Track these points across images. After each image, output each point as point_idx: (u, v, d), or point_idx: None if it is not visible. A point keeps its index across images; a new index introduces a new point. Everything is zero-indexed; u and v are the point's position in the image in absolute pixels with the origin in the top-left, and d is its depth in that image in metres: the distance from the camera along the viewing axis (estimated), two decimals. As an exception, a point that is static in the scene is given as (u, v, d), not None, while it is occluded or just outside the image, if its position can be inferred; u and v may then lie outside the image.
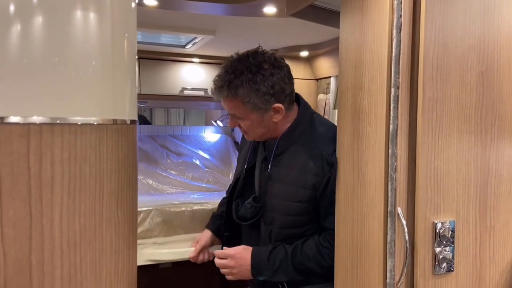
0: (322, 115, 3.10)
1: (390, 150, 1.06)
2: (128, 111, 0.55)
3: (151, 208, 1.97)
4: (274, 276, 1.36)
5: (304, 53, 2.85)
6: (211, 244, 1.70)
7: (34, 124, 0.39)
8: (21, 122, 0.39)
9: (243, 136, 1.54)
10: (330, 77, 2.86)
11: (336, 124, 1.48)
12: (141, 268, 2.28)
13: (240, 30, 2.37)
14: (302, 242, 1.36)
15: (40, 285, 0.39)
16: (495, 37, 1.11)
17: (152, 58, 3.10)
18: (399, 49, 1.04)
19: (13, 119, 0.39)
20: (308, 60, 2.99)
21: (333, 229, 1.29)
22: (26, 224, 0.39)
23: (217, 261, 1.44)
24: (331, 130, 1.37)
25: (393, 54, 1.05)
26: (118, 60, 0.56)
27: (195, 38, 2.52)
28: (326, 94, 2.93)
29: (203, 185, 3.12)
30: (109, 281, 0.49)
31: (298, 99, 1.47)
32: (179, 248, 1.85)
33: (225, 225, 1.57)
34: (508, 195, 1.15)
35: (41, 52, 0.47)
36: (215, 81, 1.35)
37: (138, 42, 2.88)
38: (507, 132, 1.14)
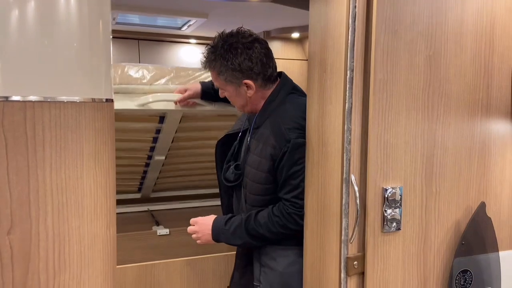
0: (313, 94, 3.23)
1: (345, 126, 1.21)
2: (103, 91, 0.71)
3: None
4: (230, 239, 1.55)
5: (295, 35, 2.98)
6: (196, 97, 1.89)
7: (30, 101, 0.55)
8: (21, 100, 0.55)
9: (247, 116, 1.71)
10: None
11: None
12: (138, 236, 2.44)
13: (231, 13, 2.48)
14: (257, 211, 1.53)
15: (36, 216, 0.56)
16: (443, 24, 1.25)
17: (151, 40, 3.23)
18: (354, 36, 1.19)
19: (15, 98, 0.55)
20: (300, 41, 3.12)
21: (287, 200, 1.46)
22: (25, 172, 0.55)
23: (188, 228, 1.67)
24: (299, 109, 1.52)
25: (349, 41, 1.19)
26: (94, 43, 0.71)
27: (189, 20, 2.66)
28: (317, 74, 3.07)
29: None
30: (90, 219, 0.65)
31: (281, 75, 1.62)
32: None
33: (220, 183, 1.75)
34: (453, 164, 1.31)
35: (34, 36, 0.61)
36: (203, 55, 1.57)
37: (137, 25, 3.02)
38: (453, 109, 1.29)
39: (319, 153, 1.35)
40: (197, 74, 2.07)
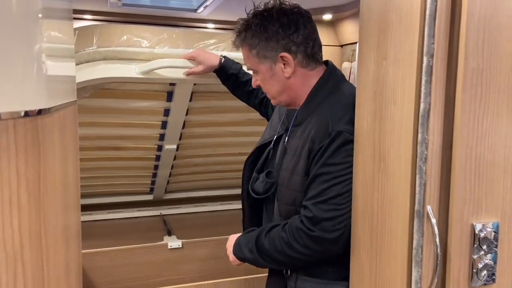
0: (347, 85, 2.85)
1: (419, 135, 0.85)
2: (29, 98, 0.37)
3: None
4: (243, 252, 1.26)
5: (327, 16, 2.59)
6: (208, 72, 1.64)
7: None
8: None
9: (286, 111, 1.39)
10: (356, 42, 2.59)
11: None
12: (148, 249, 2.16)
13: (254, -10, 2.10)
14: (276, 224, 1.23)
15: None
16: None
17: (163, 24, 2.91)
18: (435, 5, 0.81)
19: None
20: (332, 24, 2.72)
21: (305, 207, 1.14)
22: None
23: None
24: (352, 97, 1.16)
25: (427, 13, 0.82)
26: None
27: (205, 0, 2.31)
28: (352, 62, 2.67)
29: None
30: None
31: (327, 64, 1.31)
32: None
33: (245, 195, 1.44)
34: None
35: None
36: (234, 31, 1.30)
37: (146, 7, 2.69)
38: None
39: (374, 170, 0.99)
40: (212, 40, 1.74)
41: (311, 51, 1.23)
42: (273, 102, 1.34)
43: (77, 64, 1.65)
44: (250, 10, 1.26)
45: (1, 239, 0.37)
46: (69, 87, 0.81)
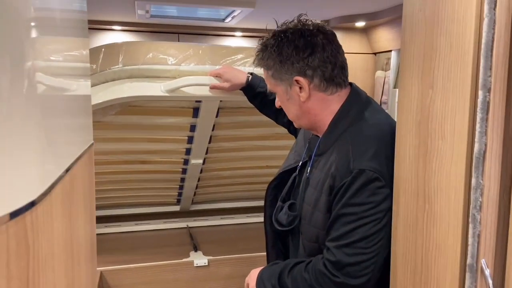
0: (380, 94, 2.72)
1: (473, 180, 0.74)
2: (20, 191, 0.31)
3: None
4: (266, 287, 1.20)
5: (360, 24, 2.48)
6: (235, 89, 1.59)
7: None
8: None
9: (309, 138, 1.32)
10: (390, 51, 2.46)
11: (392, 116, 1.19)
12: (173, 267, 2.12)
13: (282, 1, 2.05)
14: (299, 261, 1.17)
15: None
16: None
17: (192, 33, 2.88)
18: (493, 34, 0.71)
19: None
20: (365, 31, 2.61)
21: (328, 250, 1.07)
22: None
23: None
24: (376, 129, 1.10)
25: (484, 41, 0.72)
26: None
27: (234, 11, 2.24)
28: (386, 70, 2.54)
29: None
30: None
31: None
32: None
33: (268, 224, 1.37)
34: None
35: None
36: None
37: (174, 17, 2.66)
38: None
39: (417, 212, 0.89)
40: (239, 55, 1.67)
41: (329, 75, 1.13)
42: (295, 124, 1.27)
43: (103, 83, 1.61)
44: (280, 25, 1.19)
45: None
46: (83, 130, 0.75)
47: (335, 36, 1.17)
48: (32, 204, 0.34)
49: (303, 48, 1.11)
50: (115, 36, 3.01)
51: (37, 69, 0.38)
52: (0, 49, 0.33)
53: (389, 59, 2.51)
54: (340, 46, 1.18)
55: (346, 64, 1.18)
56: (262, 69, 1.22)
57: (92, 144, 1.01)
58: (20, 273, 0.33)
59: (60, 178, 0.44)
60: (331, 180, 1.08)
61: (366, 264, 1.02)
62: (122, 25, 2.62)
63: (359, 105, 1.16)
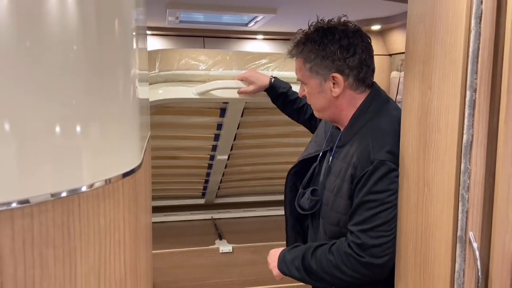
0: (395, 94, 2.85)
1: (462, 165, 0.89)
2: (126, 158, 0.47)
3: None
4: (290, 270, 1.30)
5: (376, 27, 2.62)
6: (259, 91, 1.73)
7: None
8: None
9: (330, 132, 1.44)
10: (404, 52, 2.59)
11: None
12: (200, 252, 2.28)
13: (301, 6, 2.20)
14: (320, 244, 1.27)
15: None
16: None
17: (216, 37, 3.05)
18: (479, 43, 0.85)
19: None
20: (381, 34, 2.74)
21: (352, 233, 1.17)
22: None
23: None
24: (394, 123, 1.21)
25: (471, 50, 0.86)
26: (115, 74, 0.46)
27: (256, 16, 2.41)
28: (400, 71, 2.67)
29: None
30: None
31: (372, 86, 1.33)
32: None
33: (290, 210, 1.51)
34: None
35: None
36: (291, 41, 1.33)
37: (201, 23, 2.83)
38: None
39: (418, 195, 1.04)
40: (263, 60, 1.83)
41: (363, 76, 1.25)
42: (316, 114, 1.38)
43: None
44: (313, 22, 1.28)
45: (113, 271, 0.47)
46: (148, 123, 0.90)
47: (371, 40, 1.29)
48: (134, 170, 0.51)
49: (347, 48, 1.22)
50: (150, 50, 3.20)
51: (136, 76, 0.55)
52: (116, 59, 0.49)
53: (403, 60, 2.63)
54: (373, 50, 1.30)
55: (375, 67, 1.31)
56: (296, 60, 1.30)
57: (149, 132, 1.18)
58: (132, 213, 0.50)
59: (143, 154, 0.61)
60: (353, 169, 1.19)
61: (388, 245, 1.14)
62: (153, 30, 2.82)
63: (378, 102, 1.28)
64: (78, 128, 0.41)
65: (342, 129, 1.32)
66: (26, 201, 0.36)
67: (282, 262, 1.32)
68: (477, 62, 0.86)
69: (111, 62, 0.47)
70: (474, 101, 0.87)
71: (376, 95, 1.30)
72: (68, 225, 0.39)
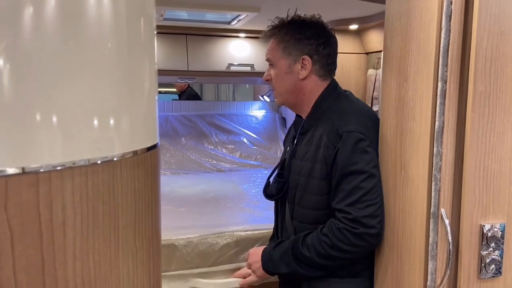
0: (372, 91, 2.98)
1: (435, 149, 0.99)
2: (148, 135, 0.55)
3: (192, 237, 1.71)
4: (278, 267, 1.28)
5: (353, 26, 2.73)
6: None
7: (45, 172, 0.40)
8: (32, 171, 0.39)
9: (293, 122, 1.49)
10: (381, 51, 2.72)
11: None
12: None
13: (284, 6, 2.29)
14: (307, 233, 1.26)
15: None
16: None
17: (199, 34, 3.10)
18: (448, 40, 0.96)
19: (22, 169, 0.39)
20: (358, 33, 2.86)
21: (339, 211, 1.19)
22: (39, 269, 0.40)
23: (246, 264, 1.43)
24: (354, 105, 1.31)
25: (442, 45, 0.97)
26: (137, 64, 0.53)
27: (239, 15, 2.48)
28: (377, 69, 2.80)
29: (252, 162, 3.14)
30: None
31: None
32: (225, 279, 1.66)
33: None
34: None
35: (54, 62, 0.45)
36: (269, 26, 1.41)
37: (184, 20, 2.89)
38: None
39: (396, 177, 1.14)
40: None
41: (328, 66, 1.36)
42: (278, 99, 1.41)
43: None
44: (288, 16, 1.37)
45: (144, 228, 0.55)
46: None
47: (337, 42, 1.41)
48: (155, 146, 0.59)
49: (322, 35, 1.34)
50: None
51: (155, 70, 0.62)
52: (144, 56, 0.57)
53: (379, 58, 2.76)
54: (337, 51, 1.41)
55: (337, 65, 1.40)
56: (271, 41, 1.36)
57: None
58: (157, 181, 0.57)
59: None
60: (324, 149, 1.24)
61: (377, 213, 1.16)
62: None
63: (338, 91, 1.38)
64: (112, 115, 0.49)
65: (304, 117, 1.39)
66: (84, 161, 0.43)
67: (268, 261, 1.30)
68: (447, 56, 0.96)
69: (139, 58, 0.54)
70: (445, 91, 0.97)
71: (336, 85, 1.39)
72: (113, 185, 0.47)
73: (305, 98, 1.36)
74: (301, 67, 1.33)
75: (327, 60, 1.35)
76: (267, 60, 1.39)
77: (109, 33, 0.48)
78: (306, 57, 1.32)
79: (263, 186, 1.49)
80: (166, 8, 2.35)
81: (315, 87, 1.35)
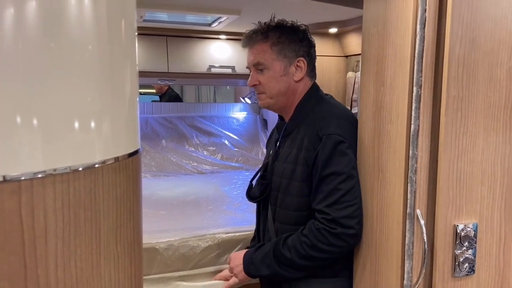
0: (351, 93, 3.02)
1: (410, 151, 1.02)
2: (130, 141, 0.55)
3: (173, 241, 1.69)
4: (259, 269, 1.29)
5: (332, 30, 2.76)
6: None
7: (27, 180, 0.40)
8: (14, 179, 0.40)
9: (276, 125, 1.49)
10: (359, 54, 2.77)
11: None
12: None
13: (265, 9, 2.32)
14: (288, 234, 1.27)
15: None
16: (531, 29, 1.03)
17: (179, 36, 3.09)
18: (423, 46, 0.99)
19: (1, 177, 0.40)
20: (337, 37, 2.90)
21: (318, 212, 1.21)
22: (21, 276, 0.40)
23: (228, 269, 1.44)
24: (335, 109, 1.34)
25: (416, 51, 1.00)
26: (119, 69, 0.54)
27: (220, 17, 2.49)
28: (356, 72, 2.84)
29: (233, 164, 3.15)
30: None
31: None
32: (206, 282, 1.64)
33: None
34: (538, 196, 1.10)
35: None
36: (249, 31, 1.38)
37: (164, 22, 2.87)
38: (539, 130, 1.08)
39: (374, 179, 1.17)
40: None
41: (313, 67, 1.40)
42: (264, 102, 1.37)
43: None
44: (272, 21, 1.37)
45: (125, 234, 0.55)
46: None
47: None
48: (137, 152, 0.59)
49: (308, 39, 1.38)
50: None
51: (137, 72, 0.62)
52: (125, 58, 0.57)
53: (358, 61, 2.81)
54: None
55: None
56: (261, 44, 1.32)
57: None
58: (138, 187, 0.58)
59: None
60: (305, 152, 1.26)
61: (356, 214, 1.18)
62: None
63: (319, 94, 1.40)
64: (93, 120, 0.49)
65: (286, 119, 1.40)
66: (66, 168, 0.44)
67: (250, 264, 1.31)
68: (421, 62, 1.00)
69: (119, 60, 0.55)
70: (420, 95, 1.00)
71: (318, 88, 1.41)
72: (95, 191, 0.47)
73: (295, 100, 1.37)
74: (295, 69, 1.35)
75: (313, 62, 1.41)
76: (256, 64, 1.34)
77: (90, 35, 0.48)
78: (301, 58, 1.35)
79: (245, 188, 1.50)
80: (146, 10, 2.35)
81: (305, 88, 1.38)
